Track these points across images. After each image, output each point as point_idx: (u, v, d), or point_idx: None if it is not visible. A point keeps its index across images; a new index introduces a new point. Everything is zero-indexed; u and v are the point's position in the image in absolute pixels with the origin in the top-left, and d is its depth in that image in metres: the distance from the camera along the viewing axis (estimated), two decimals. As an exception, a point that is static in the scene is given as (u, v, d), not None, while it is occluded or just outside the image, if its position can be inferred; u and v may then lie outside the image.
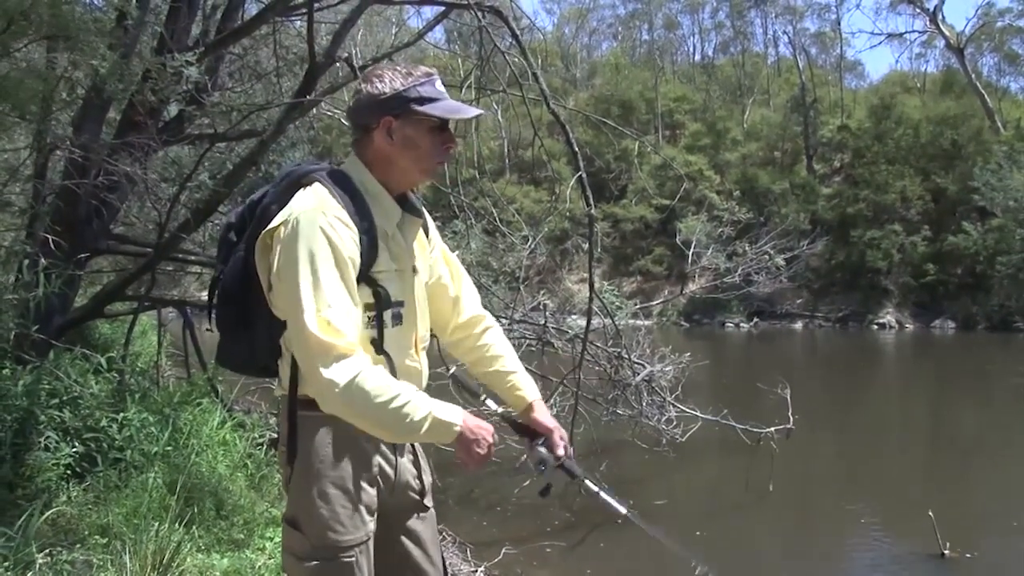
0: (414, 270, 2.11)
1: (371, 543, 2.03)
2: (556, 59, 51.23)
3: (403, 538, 2.16)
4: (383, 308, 2.00)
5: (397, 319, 2.04)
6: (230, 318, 2.08)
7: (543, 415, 2.25)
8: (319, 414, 1.94)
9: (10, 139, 6.69)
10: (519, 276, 9.94)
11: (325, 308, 1.83)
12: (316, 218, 1.88)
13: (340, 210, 1.92)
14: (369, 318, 1.97)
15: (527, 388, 2.29)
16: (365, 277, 1.95)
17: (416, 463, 2.20)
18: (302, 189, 1.97)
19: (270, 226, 1.93)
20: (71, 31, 4.76)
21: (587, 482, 2.28)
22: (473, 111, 2.19)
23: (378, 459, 2.07)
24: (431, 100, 2.00)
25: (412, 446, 2.18)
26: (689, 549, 2.56)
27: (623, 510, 2.32)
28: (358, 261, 1.92)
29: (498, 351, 2.32)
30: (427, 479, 2.23)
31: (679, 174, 29.83)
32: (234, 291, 2.04)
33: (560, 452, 2.17)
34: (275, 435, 6.88)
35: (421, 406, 1.88)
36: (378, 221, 1.99)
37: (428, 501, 2.22)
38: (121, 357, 6.00)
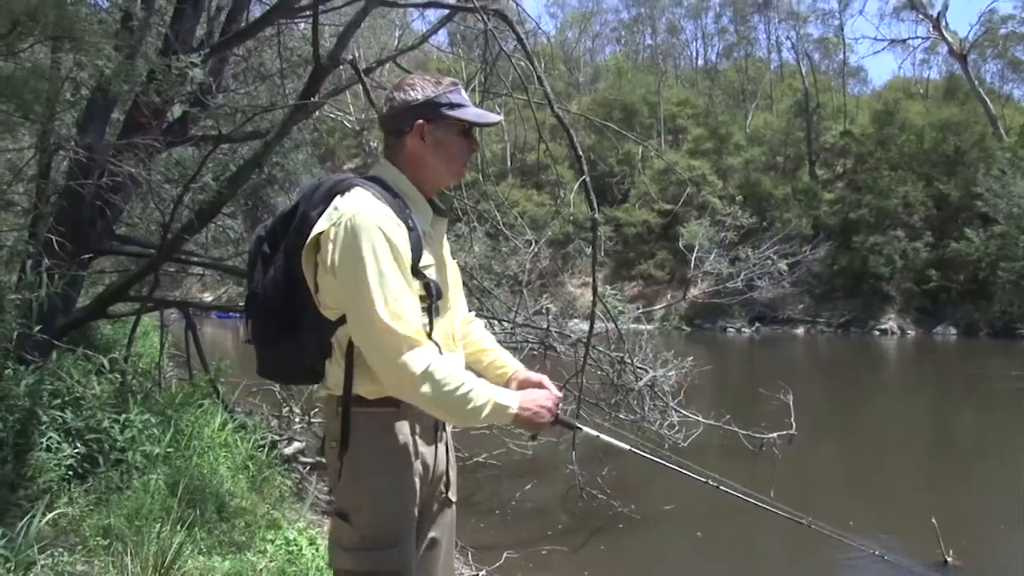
0: (445, 266, 2.24)
1: (414, 533, 2.13)
2: (559, 63, 51.23)
3: (430, 529, 2.24)
4: (433, 300, 2.11)
5: (436, 311, 2.13)
6: (275, 326, 2.14)
7: (528, 374, 2.40)
8: (371, 410, 2.08)
9: (14, 139, 6.69)
10: (522, 280, 9.95)
11: (393, 301, 1.95)
12: (371, 217, 1.98)
13: (388, 209, 2.03)
14: (421, 310, 2.06)
15: (508, 361, 2.46)
16: (415, 271, 2.05)
17: (447, 457, 2.29)
18: (339, 196, 2.06)
19: (318, 228, 2.02)
20: (76, 32, 4.75)
21: (585, 429, 2.50)
22: (496, 117, 2.32)
23: (423, 451, 2.16)
24: (460, 106, 2.16)
25: (447, 441, 2.29)
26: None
27: (626, 447, 2.63)
28: (410, 256, 2.03)
29: (477, 336, 2.48)
30: (453, 474, 2.32)
31: (682, 179, 29.91)
32: (278, 298, 2.11)
33: (558, 392, 2.28)
34: (276, 437, 6.91)
35: (484, 392, 2.04)
36: (417, 220, 2.11)
37: (452, 495, 2.32)
38: (123, 358, 5.98)
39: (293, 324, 2.12)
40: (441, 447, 2.24)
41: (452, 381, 1.98)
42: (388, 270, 1.96)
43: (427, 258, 2.10)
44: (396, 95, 2.17)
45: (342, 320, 2.05)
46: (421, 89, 2.14)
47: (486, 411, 2.03)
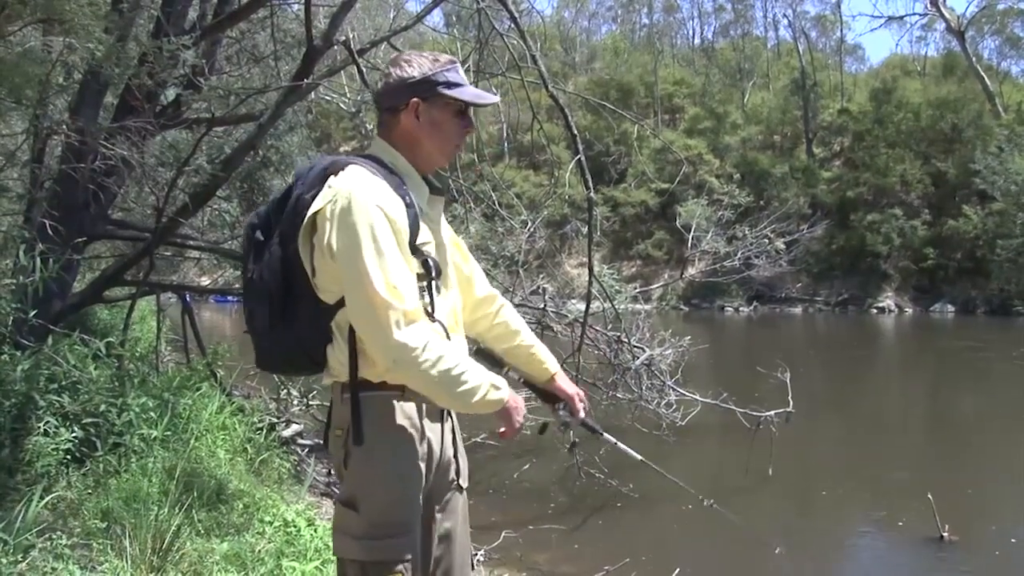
0: (444, 245, 2.21)
1: (420, 520, 2.10)
2: (555, 43, 51.08)
3: (444, 519, 2.20)
4: (433, 278, 2.08)
5: (437, 289, 2.11)
6: (273, 314, 2.08)
7: (565, 383, 2.47)
8: (378, 394, 2.03)
9: (7, 124, 6.66)
10: (518, 260, 9.94)
11: (391, 276, 1.91)
12: (367, 193, 1.95)
13: (385, 185, 1.99)
14: (421, 288, 2.03)
15: (549, 360, 2.48)
16: (413, 248, 2.02)
17: (454, 442, 2.25)
18: (333, 175, 2.02)
19: (314, 208, 1.98)
20: (65, 15, 4.72)
21: (605, 435, 2.61)
22: (493, 98, 2.29)
23: (430, 435, 2.12)
24: (457, 85, 2.12)
25: (453, 425, 2.24)
26: (692, 486, 3.21)
27: (638, 456, 2.77)
28: (407, 232, 2.00)
29: (516, 327, 2.47)
30: (463, 460, 2.29)
31: (679, 158, 29.85)
32: (275, 285, 2.05)
33: (581, 415, 2.43)
34: (274, 420, 6.92)
35: (479, 376, 2.02)
36: (414, 197, 2.07)
37: (463, 481, 2.28)
38: (120, 342, 5.98)
39: (291, 310, 2.07)
40: (448, 431, 2.20)
41: (450, 360, 1.95)
42: (386, 246, 1.92)
43: (425, 235, 2.07)
44: (392, 71, 2.13)
45: (341, 303, 2.00)
46: (418, 66, 2.10)
47: (478, 396, 2.00)
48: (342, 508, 2.07)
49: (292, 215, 2.04)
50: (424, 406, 2.09)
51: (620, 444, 2.64)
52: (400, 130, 2.12)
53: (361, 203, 1.92)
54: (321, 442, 2.39)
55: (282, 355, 2.16)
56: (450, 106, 2.12)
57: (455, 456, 2.24)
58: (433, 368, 1.92)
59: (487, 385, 2.02)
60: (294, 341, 2.09)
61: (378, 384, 2.02)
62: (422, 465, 2.08)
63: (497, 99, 2.35)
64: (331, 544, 2.15)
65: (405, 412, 2.06)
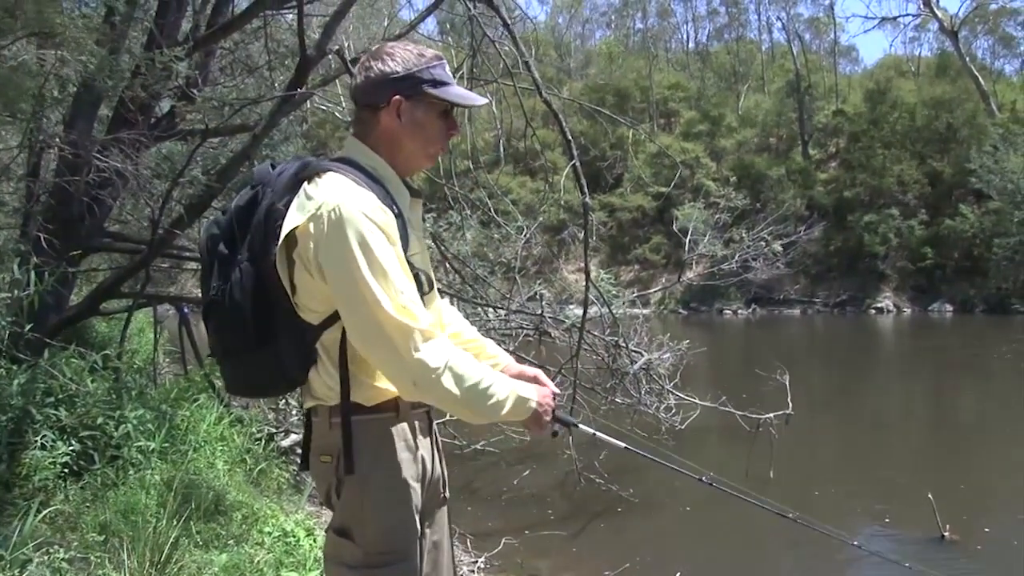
0: (427, 252, 2.10)
1: (418, 544, 2.00)
2: (550, 49, 51.25)
3: (432, 533, 2.12)
4: (425, 291, 1.95)
5: (425, 303, 1.96)
6: (248, 337, 1.92)
7: (521, 367, 2.28)
8: (370, 417, 1.92)
9: (1, 138, 6.67)
10: (515, 266, 9.94)
11: (398, 294, 1.78)
12: (357, 205, 1.79)
13: (372, 195, 1.84)
14: None
15: (496, 351, 2.32)
16: (406, 261, 1.89)
17: (440, 455, 2.17)
18: (308, 182, 1.86)
19: (292, 223, 1.81)
20: (57, 28, 4.72)
21: (581, 426, 2.37)
22: (482, 100, 2.14)
23: (423, 454, 2.03)
24: (443, 84, 1.97)
25: (436, 438, 2.14)
26: (687, 466, 2.90)
27: (622, 444, 2.53)
28: (400, 246, 1.86)
29: (456, 326, 2.31)
30: (445, 471, 2.21)
31: (675, 162, 29.91)
32: (248, 305, 1.89)
33: (556, 389, 2.21)
34: (273, 430, 6.90)
35: (505, 386, 1.92)
36: (400, 205, 1.94)
37: (446, 492, 2.21)
38: (117, 355, 5.97)
39: (268, 332, 1.90)
40: (433, 444, 2.11)
41: (474, 374, 1.84)
42: (387, 262, 1.77)
43: (414, 246, 1.94)
44: (373, 64, 1.95)
45: (327, 323, 1.86)
46: (402, 60, 1.93)
47: (507, 406, 1.90)
48: (335, 537, 1.96)
49: (263, 227, 1.88)
50: (416, 423, 1.99)
51: (599, 433, 2.45)
52: (380, 130, 1.96)
53: (350, 218, 1.76)
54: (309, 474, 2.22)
55: (259, 380, 2.02)
56: (435, 106, 1.97)
57: (443, 470, 2.17)
58: (458, 387, 1.81)
59: (514, 395, 1.93)
60: (273, 364, 1.94)
61: (372, 408, 1.91)
62: (417, 485, 1.99)
63: (486, 101, 2.22)
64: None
65: (401, 434, 1.96)
